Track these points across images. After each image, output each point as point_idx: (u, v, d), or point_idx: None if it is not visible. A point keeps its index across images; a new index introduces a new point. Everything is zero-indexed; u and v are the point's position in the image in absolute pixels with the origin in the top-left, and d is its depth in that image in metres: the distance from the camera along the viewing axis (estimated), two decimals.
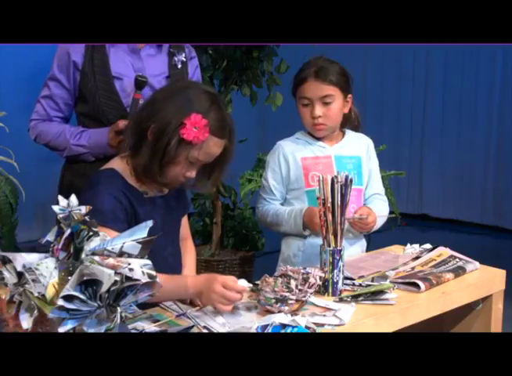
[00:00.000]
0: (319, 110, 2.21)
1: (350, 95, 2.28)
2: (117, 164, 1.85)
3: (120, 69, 2.16)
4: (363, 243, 2.38)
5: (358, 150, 2.34)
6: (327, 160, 2.28)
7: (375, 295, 1.83)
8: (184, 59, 2.25)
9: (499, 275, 2.14)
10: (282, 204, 2.32)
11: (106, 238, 1.29)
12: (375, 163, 2.39)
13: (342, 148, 2.32)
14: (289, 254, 2.30)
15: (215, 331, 1.61)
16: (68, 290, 1.20)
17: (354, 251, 2.31)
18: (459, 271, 2.06)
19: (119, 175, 1.82)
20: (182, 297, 1.80)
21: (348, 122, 2.35)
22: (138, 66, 2.17)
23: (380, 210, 2.29)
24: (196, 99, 1.76)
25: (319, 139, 2.31)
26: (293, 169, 2.28)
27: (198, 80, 2.32)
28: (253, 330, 1.54)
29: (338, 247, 1.88)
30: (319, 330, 1.61)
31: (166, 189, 1.92)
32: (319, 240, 1.96)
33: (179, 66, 2.24)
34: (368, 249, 2.40)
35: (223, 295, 1.66)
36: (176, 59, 2.23)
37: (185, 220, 2.07)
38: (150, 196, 1.86)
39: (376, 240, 2.45)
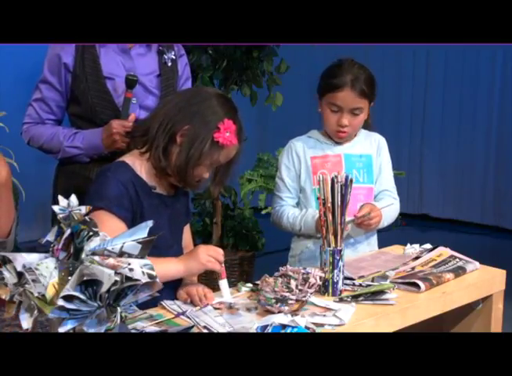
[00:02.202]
0: (346, 119, 2.22)
1: (372, 104, 2.29)
2: (129, 159, 1.88)
3: (111, 69, 2.16)
4: (372, 241, 2.39)
5: (369, 149, 2.34)
6: (336, 158, 2.29)
7: (375, 295, 1.83)
8: (173, 57, 2.26)
9: (499, 275, 2.14)
10: (297, 203, 2.33)
11: (106, 238, 1.29)
12: (385, 159, 2.37)
13: (353, 146, 2.32)
14: (297, 252, 2.33)
15: (215, 331, 1.61)
16: (68, 290, 1.20)
17: (365, 248, 2.33)
18: (459, 271, 2.06)
19: (129, 167, 1.86)
20: (173, 276, 1.83)
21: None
22: (129, 65, 2.18)
23: (388, 207, 2.27)
24: (225, 105, 1.85)
25: (332, 138, 2.31)
26: (303, 167, 2.30)
27: (188, 77, 2.35)
28: (253, 331, 1.54)
29: (338, 247, 1.88)
30: (319, 330, 1.61)
31: (172, 191, 1.95)
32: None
33: (169, 64, 2.25)
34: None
35: (208, 254, 1.80)
36: (166, 57, 2.24)
37: (187, 229, 2.09)
38: (158, 192, 1.89)
39: (376, 239, 2.45)
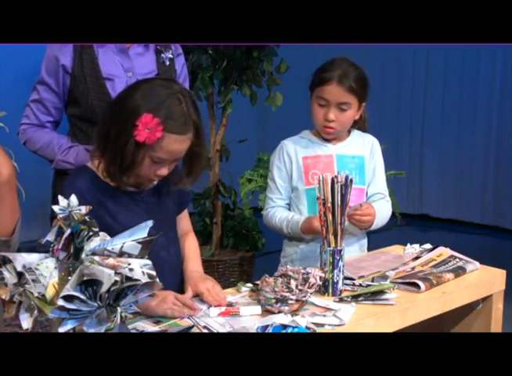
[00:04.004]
0: (333, 114, 2.21)
1: (364, 104, 2.28)
2: (91, 162, 1.86)
3: (110, 70, 2.16)
4: (363, 242, 2.38)
5: (361, 150, 2.33)
6: (328, 159, 2.28)
7: (375, 295, 1.83)
8: (171, 56, 2.26)
9: (499, 275, 2.14)
10: (288, 204, 2.33)
11: (106, 238, 1.29)
12: (378, 162, 2.37)
13: (345, 147, 2.31)
14: (290, 253, 2.32)
15: (215, 331, 1.61)
16: (68, 290, 1.20)
17: (352, 250, 2.31)
18: (459, 271, 2.06)
19: (90, 171, 1.83)
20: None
21: (355, 124, 2.35)
22: (128, 65, 2.17)
23: (380, 209, 2.27)
24: (148, 97, 1.71)
25: (323, 138, 2.31)
26: (295, 168, 2.29)
27: (185, 76, 2.33)
28: (253, 331, 1.54)
29: (338, 247, 1.88)
30: (319, 330, 1.61)
31: (152, 184, 1.89)
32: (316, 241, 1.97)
33: (167, 63, 2.24)
34: (368, 249, 2.40)
35: (174, 302, 1.71)
36: (164, 56, 2.24)
37: (185, 216, 2.06)
38: (127, 190, 1.85)
39: (376, 240, 2.44)
